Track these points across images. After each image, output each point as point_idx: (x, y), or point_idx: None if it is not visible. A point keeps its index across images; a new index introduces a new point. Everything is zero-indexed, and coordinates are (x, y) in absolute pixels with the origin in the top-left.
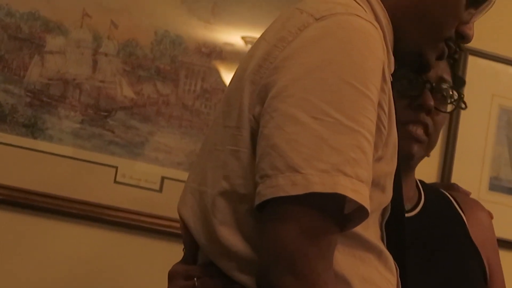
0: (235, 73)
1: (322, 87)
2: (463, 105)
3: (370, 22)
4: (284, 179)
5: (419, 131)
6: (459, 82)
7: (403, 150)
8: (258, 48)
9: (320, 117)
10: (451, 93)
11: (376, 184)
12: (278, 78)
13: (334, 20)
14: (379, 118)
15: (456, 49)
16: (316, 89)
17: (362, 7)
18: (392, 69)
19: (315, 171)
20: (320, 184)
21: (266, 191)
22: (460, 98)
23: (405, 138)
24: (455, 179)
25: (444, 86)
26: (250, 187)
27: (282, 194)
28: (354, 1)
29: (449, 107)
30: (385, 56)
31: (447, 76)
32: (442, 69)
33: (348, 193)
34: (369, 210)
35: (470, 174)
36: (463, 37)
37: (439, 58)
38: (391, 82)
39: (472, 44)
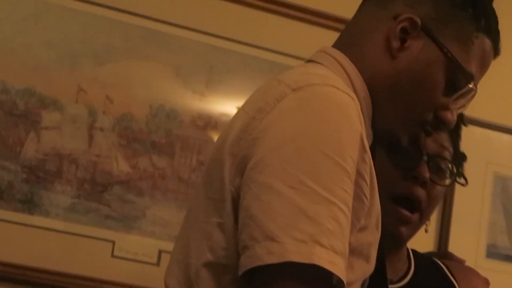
0: (215, 143)
1: (299, 157)
2: (463, 181)
3: (347, 93)
4: (261, 248)
5: (408, 213)
6: (460, 158)
7: (391, 230)
8: (238, 119)
9: (297, 186)
10: (450, 166)
11: (359, 254)
12: (256, 149)
13: (310, 90)
14: (360, 187)
15: (460, 123)
16: (293, 159)
17: (341, 79)
18: (370, 142)
19: (292, 240)
20: (297, 253)
21: (246, 262)
22: (459, 173)
23: (393, 218)
24: (452, 246)
25: (443, 159)
26: (232, 258)
27: (259, 263)
28: (333, 73)
29: (447, 181)
30: (363, 127)
31: (448, 147)
32: (442, 139)
33: (325, 264)
34: (345, 282)
35: (467, 241)
36: (443, 122)
37: (413, 141)
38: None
39: (466, 112)
